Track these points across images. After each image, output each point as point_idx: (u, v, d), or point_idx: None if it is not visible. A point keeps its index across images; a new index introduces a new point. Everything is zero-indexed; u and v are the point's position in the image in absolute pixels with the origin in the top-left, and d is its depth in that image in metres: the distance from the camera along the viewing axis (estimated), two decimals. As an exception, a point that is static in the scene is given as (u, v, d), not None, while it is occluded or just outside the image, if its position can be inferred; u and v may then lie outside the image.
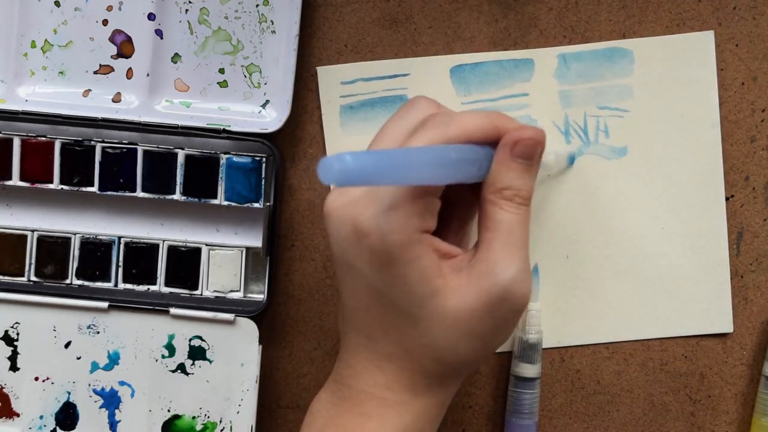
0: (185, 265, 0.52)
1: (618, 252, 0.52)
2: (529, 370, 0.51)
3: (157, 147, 0.51)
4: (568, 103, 0.52)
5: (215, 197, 0.51)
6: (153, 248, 0.52)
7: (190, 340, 0.52)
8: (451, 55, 0.52)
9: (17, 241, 0.52)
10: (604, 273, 0.52)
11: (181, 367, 0.52)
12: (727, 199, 0.52)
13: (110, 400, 0.52)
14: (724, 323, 0.52)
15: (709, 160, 0.52)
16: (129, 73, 0.51)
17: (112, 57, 0.51)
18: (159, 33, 0.51)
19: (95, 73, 0.52)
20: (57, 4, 0.51)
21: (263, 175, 0.51)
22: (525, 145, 0.41)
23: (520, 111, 0.52)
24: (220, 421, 0.52)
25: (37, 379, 0.52)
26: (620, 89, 0.52)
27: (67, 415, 0.52)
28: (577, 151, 0.52)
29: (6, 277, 0.52)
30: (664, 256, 0.52)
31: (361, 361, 0.43)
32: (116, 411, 0.52)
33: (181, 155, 0.51)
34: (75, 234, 0.52)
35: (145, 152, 0.51)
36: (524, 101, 0.52)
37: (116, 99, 0.52)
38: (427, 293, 0.40)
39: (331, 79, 0.52)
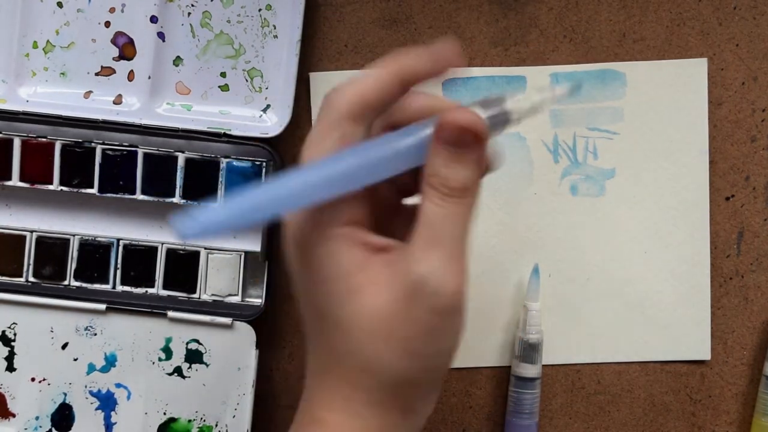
0: (183, 268, 0.52)
1: (599, 274, 0.52)
2: (529, 370, 0.51)
3: (158, 150, 0.51)
4: (558, 122, 0.52)
5: (215, 201, 0.51)
6: (152, 251, 0.52)
7: (187, 343, 0.52)
8: None
9: (16, 241, 0.52)
10: (585, 294, 0.52)
11: (178, 371, 0.52)
12: (727, 199, 0.52)
13: (106, 402, 0.52)
14: (702, 351, 0.53)
15: (695, 186, 0.52)
16: (130, 76, 0.51)
17: (113, 59, 0.51)
18: (161, 36, 0.51)
19: (96, 74, 0.52)
20: (60, 5, 0.51)
21: (263, 180, 0.51)
22: (450, 130, 0.36)
23: (510, 128, 0.52)
24: (216, 425, 0.52)
25: (33, 379, 0.52)
26: (611, 111, 0.52)
27: (63, 416, 0.52)
28: (564, 171, 0.52)
29: (4, 278, 0.52)
30: (645, 280, 0.52)
31: (310, 379, 0.39)
32: (112, 413, 0.52)
33: (181, 158, 0.51)
34: (74, 235, 0.52)
35: (146, 155, 0.51)
36: None
37: (117, 101, 0.52)
38: (346, 291, 0.36)
39: (324, 85, 0.52)
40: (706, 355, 0.53)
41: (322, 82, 0.52)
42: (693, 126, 0.52)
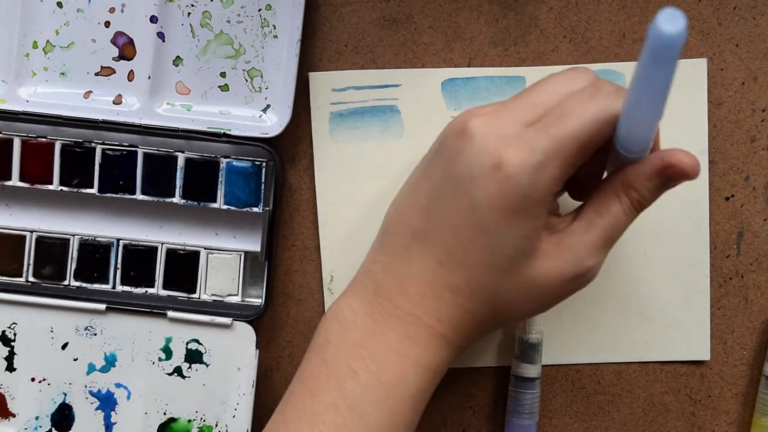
0: (183, 268, 0.52)
1: (599, 275, 0.52)
2: (529, 370, 0.51)
3: (158, 150, 0.51)
4: None
5: (215, 201, 0.51)
6: (151, 251, 0.52)
7: (187, 343, 0.52)
8: (444, 68, 0.52)
9: (16, 241, 0.52)
10: (584, 295, 0.52)
11: (178, 371, 0.52)
12: (727, 199, 0.52)
13: (106, 402, 0.52)
14: (702, 351, 0.53)
15: (695, 186, 0.52)
16: (130, 76, 0.51)
17: (113, 59, 0.51)
18: (161, 36, 0.51)
19: (96, 74, 0.52)
20: (59, 5, 0.51)
21: (263, 180, 0.51)
22: (677, 172, 0.41)
23: None
24: (216, 425, 0.52)
25: (33, 379, 0.52)
26: None
27: (63, 416, 0.52)
28: None
29: (4, 278, 0.52)
30: (644, 281, 0.52)
31: (420, 284, 0.42)
32: (112, 413, 0.52)
33: (181, 158, 0.51)
34: (74, 235, 0.52)
35: (145, 155, 0.51)
36: None
37: (117, 101, 0.52)
38: (524, 251, 0.41)
39: (323, 85, 0.52)
40: (705, 355, 0.53)
41: (321, 82, 0.52)
42: (692, 126, 0.52)
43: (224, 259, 0.52)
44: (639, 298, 0.52)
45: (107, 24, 0.51)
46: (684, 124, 0.52)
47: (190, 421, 0.52)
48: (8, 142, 0.51)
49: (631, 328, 0.52)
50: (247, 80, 0.51)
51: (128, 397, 0.52)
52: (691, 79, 0.52)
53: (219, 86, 0.51)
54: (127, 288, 0.52)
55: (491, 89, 0.52)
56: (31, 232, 0.52)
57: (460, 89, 0.52)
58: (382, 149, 0.52)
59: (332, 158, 0.52)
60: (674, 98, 0.51)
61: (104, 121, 0.51)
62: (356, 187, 0.52)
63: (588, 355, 0.53)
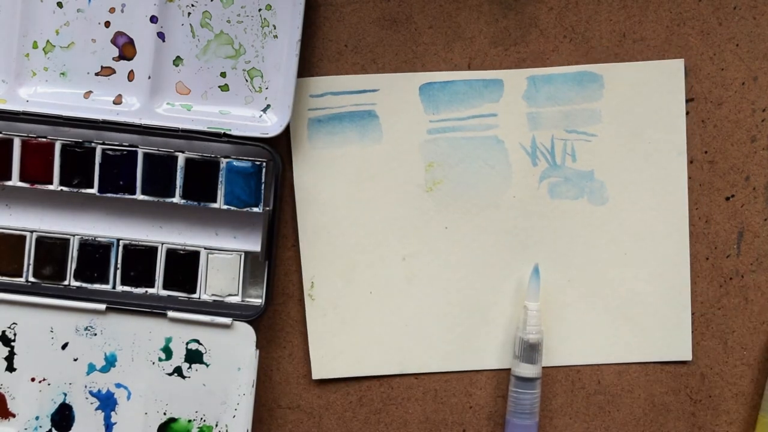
0: (183, 268, 0.52)
1: (579, 276, 0.52)
2: (529, 370, 0.51)
3: (158, 150, 0.51)
4: (536, 125, 0.52)
5: (215, 201, 0.51)
6: (152, 251, 0.52)
7: (187, 343, 0.52)
8: (420, 72, 0.52)
9: (16, 241, 0.52)
10: (565, 297, 0.52)
11: (178, 371, 0.52)
12: (727, 198, 0.52)
13: (106, 402, 0.52)
14: (683, 351, 0.53)
15: (673, 188, 0.52)
16: (130, 76, 0.51)
17: (113, 59, 0.51)
18: (161, 36, 0.51)
19: (97, 74, 0.52)
20: (59, 5, 0.51)
21: (263, 180, 0.51)
22: None
23: (488, 131, 0.52)
24: (216, 425, 0.52)
25: (33, 379, 0.52)
26: (589, 113, 0.52)
27: (63, 416, 0.52)
28: (542, 174, 0.52)
29: (4, 278, 0.52)
30: (625, 281, 0.52)
31: None
32: (112, 413, 0.52)
33: (181, 158, 0.51)
34: (74, 235, 0.52)
35: (146, 155, 0.51)
36: (492, 122, 0.52)
37: (117, 101, 0.52)
38: None
39: (300, 91, 0.52)
40: (687, 355, 0.53)
41: (298, 88, 0.51)
42: (671, 127, 0.52)
43: (224, 259, 0.52)
44: (620, 299, 0.52)
45: (107, 24, 0.51)
46: (662, 126, 0.52)
47: (190, 421, 0.52)
48: (8, 142, 0.51)
49: (612, 330, 0.52)
50: (247, 80, 0.51)
51: (128, 397, 0.52)
52: (668, 81, 0.52)
53: (219, 86, 0.51)
54: (127, 288, 0.52)
55: (469, 93, 0.52)
56: (31, 232, 0.52)
57: (438, 93, 0.52)
58: (361, 154, 0.52)
59: (311, 164, 0.52)
60: (652, 99, 0.52)
61: (104, 121, 0.51)
62: (335, 193, 0.52)
63: (569, 357, 0.53)
